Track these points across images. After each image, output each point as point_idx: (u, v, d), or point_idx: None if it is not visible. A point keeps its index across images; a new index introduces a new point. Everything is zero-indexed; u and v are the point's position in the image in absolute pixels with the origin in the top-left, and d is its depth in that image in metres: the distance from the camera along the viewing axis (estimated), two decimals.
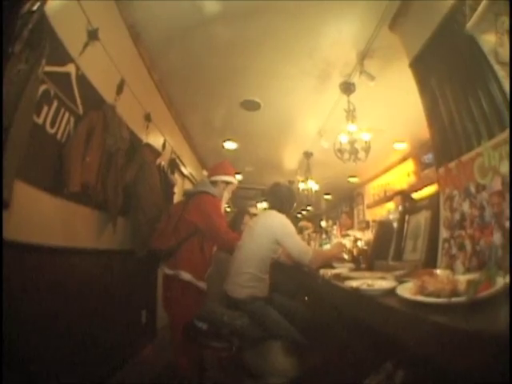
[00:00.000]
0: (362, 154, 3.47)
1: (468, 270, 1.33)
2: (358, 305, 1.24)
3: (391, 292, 1.10)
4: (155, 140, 3.65)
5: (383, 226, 2.27)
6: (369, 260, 2.25)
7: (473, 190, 1.45)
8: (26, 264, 1.75)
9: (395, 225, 2.11)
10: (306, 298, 2.87)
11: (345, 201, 9.51)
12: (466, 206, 1.48)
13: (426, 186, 5.15)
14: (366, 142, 3.45)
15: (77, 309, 2.21)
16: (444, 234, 1.58)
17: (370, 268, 2.03)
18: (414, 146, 5.58)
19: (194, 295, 2.63)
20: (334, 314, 1.99)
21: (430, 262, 1.53)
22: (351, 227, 6.14)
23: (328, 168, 6.08)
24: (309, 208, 10.77)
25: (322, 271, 1.98)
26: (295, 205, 2.77)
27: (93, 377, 2.35)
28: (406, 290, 1.01)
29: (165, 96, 4.06)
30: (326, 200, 9.86)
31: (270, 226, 2.42)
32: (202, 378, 2.14)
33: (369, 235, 2.90)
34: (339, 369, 1.66)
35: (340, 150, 3.49)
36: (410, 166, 6.13)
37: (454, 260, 1.46)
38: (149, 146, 3.24)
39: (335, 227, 4.86)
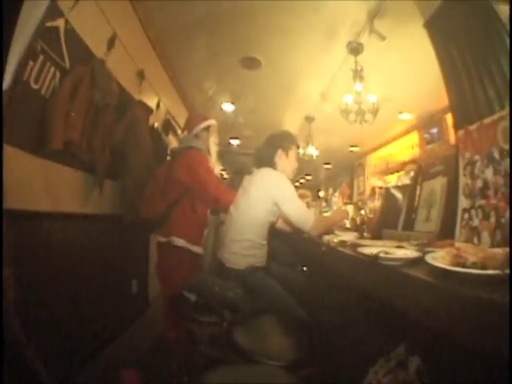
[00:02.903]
0: (368, 116, 3.29)
1: (492, 246, 1.18)
2: (374, 275, 1.08)
3: (415, 262, 0.96)
4: (148, 99, 3.42)
5: (392, 193, 2.10)
6: (375, 229, 2.09)
7: (496, 155, 1.30)
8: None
9: (400, 194, 1.97)
10: (305, 267, 2.72)
11: (345, 171, 9.28)
12: (489, 173, 1.33)
13: (430, 160, 5.03)
14: (373, 104, 3.27)
15: (61, 278, 2.05)
16: (464, 203, 1.43)
17: (377, 237, 1.86)
18: (420, 118, 5.36)
19: (189, 262, 2.50)
20: (338, 287, 1.84)
21: (447, 234, 1.39)
22: (350, 197, 6.01)
23: (329, 135, 5.88)
24: (308, 177, 10.64)
25: (326, 237, 1.81)
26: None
27: (81, 351, 2.23)
28: (438, 260, 0.85)
29: (160, 54, 3.78)
30: (326, 169, 9.67)
31: (267, 187, 2.13)
32: (193, 354, 1.97)
33: (373, 203, 2.75)
34: (343, 351, 1.52)
35: (346, 111, 3.30)
36: (414, 138, 5.94)
37: (474, 232, 1.32)
38: (141, 102, 3.03)
39: (336, 195, 4.71)
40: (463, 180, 1.47)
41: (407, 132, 6.08)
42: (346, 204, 3.34)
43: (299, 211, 2.11)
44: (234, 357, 1.29)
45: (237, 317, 1.69)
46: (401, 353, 1.06)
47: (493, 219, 1.26)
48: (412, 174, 2.01)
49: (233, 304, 1.81)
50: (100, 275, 2.56)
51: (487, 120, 1.41)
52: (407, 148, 6.15)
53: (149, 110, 3.18)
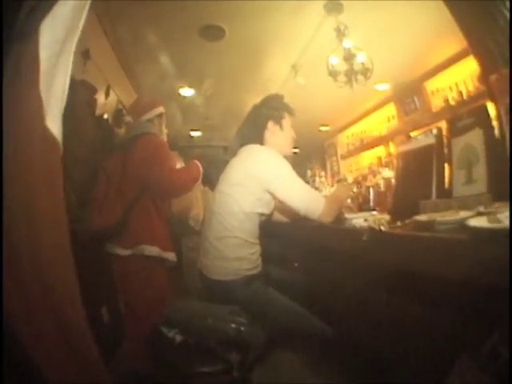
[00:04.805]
0: (360, 77, 2.95)
1: None
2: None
3: None
4: (96, 85, 2.86)
5: (411, 158, 1.67)
6: (396, 202, 1.68)
7: None
8: None
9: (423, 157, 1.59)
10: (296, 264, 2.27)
11: (315, 154, 8.88)
12: None
13: (411, 131, 4.90)
14: (363, 64, 2.96)
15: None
16: None
17: (405, 211, 1.41)
18: (398, 87, 5.03)
19: (162, 277, 2.11)
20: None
21: (501, 194, 1.14)
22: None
23: (298, 115, 5.45)
24: None
25: (357, 222, 1.37)
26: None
27: None
28: None
29: (109, 33, 3.16)
30: (294, 153, 9.25)
31: (253, 169, 1.61)
32: None
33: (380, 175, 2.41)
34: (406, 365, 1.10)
35: (334, 72, 2.93)
36: (390, 110, 5.61)
37: None
38: (83, 82, 2.52)
39: (323, 174, 4.28)
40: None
41: (383, 104, 5.72)
42: (339, 181, 3.00)
43: (305, 195, 1.60)
44: None
45: (249, 357, 1.18)
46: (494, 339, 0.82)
47: None
48: (434, 132, 1.62)
49: (239, 340, 1.25)
50: None
51: None
52: (383, 121, 5.84)
53: (92, 90, 2.64)
